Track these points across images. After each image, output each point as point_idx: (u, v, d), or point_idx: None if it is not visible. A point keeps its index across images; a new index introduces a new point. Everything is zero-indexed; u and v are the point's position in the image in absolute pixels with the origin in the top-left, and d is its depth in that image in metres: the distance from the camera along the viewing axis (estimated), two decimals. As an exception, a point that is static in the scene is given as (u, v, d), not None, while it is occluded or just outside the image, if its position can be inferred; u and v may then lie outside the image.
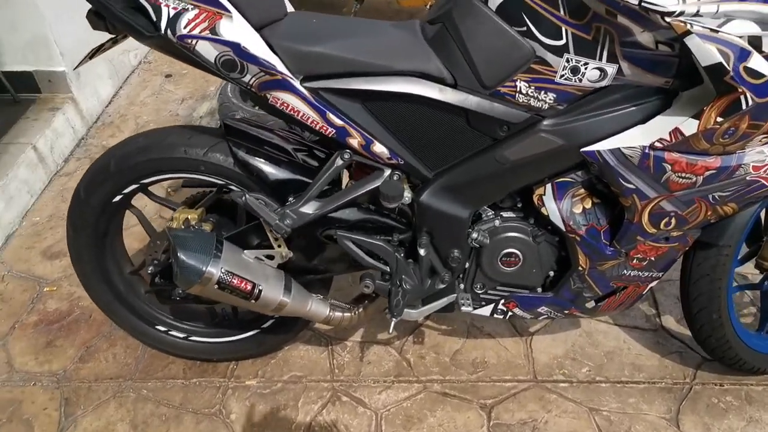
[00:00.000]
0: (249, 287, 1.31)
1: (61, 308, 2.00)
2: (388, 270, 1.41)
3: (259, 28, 1.20)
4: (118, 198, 1.47)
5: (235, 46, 1.12)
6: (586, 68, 1.12)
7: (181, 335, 1.72)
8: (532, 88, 1.17)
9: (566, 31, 1.10)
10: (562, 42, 1.11)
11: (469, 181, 1.30)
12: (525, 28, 1.12)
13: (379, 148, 1.26)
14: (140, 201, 1.54)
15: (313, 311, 1.44)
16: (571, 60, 1.12)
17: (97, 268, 1.60)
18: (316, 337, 1.86)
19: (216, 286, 1.28)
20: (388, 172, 1.31)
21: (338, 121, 1.23)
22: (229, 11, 1.12)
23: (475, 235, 1.36)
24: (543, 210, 1.31)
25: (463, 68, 1.18)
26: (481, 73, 1.17)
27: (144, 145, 1.41)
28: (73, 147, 2.71)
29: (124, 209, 1.55)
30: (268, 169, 1.37)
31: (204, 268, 1.26)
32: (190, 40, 1.12)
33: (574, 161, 1.24)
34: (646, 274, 1.37)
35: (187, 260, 1.25)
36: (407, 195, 1.32)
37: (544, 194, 1.30)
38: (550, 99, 1.17)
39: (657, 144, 1.14)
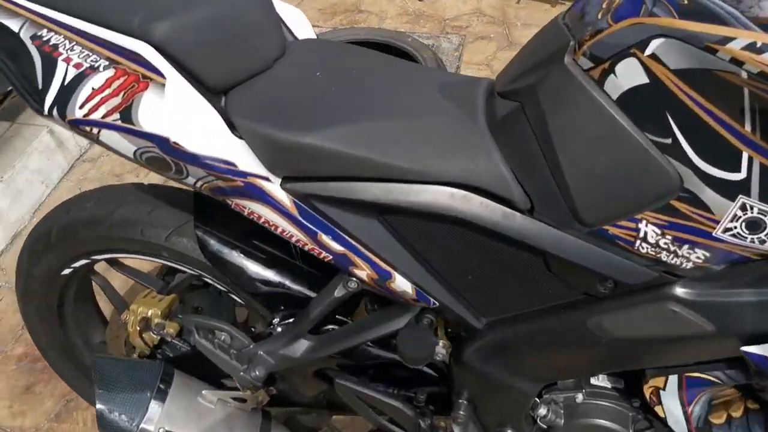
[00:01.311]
0: (202, 449, 0.93)
1: (50, 342, 1.72)
2: (407, 438, 0.98)
3: (225, 89, 0.76)
4: (67, 271, 1.11)
5: (162, 142, 0.68)
6: (778, 226, 0.60)
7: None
8: (669, 237, 0.66)
9: (750, 160, 0.58)
10: (740, 176, 0.59)
11: (540, 346, 0.82)
12: (670, 141, 0.61)
13: (400, 284, 0.80)
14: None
15: (300, 465, 1.04)
16: (751, 208, 0.60)
17: (56, 341, 1.27)
18: None
19: (152, 450, 0.91)
20: (413, 313, 0.86)
21: (337, 247, 0.78)
22: (161, 75, 0.68)
23: (542, 411, 0.89)
24: (658, 408, 0.81)
25: (546, 187, 0.69)
26: (577, 201, 0.68)
27: (91, 217, 1.03)
28: (102, 127, 2.39)
29: (84, 278, 1.19)
30: (249, 269, 0.95)
31: (134, 428, 0.88)
32: (89, 128, 0.69)
33: (724, 356, 0.73)
34: None
35: (108, 416, 0.87)
36: (441, 351, 0.86)
37: (663, 388, 0.80)
38: (697, 257, 0.67)
39: None
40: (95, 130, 0.69)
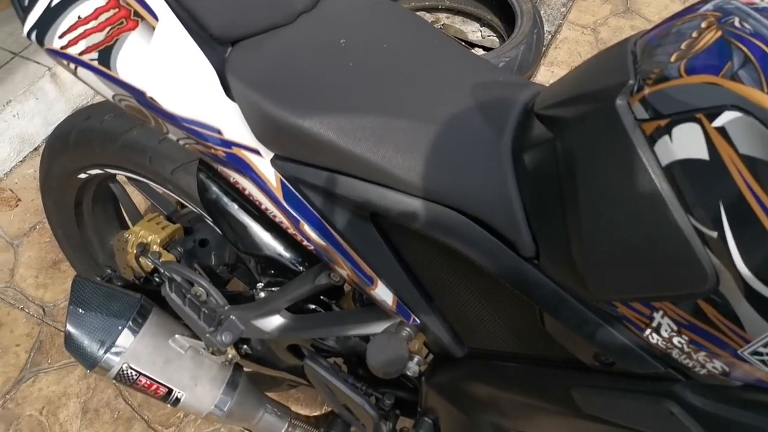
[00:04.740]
0: (162, 392, 0.92)
1: (84, 223, 1.78)
2: (365, 435, 0.93)
3: (233, 40, 0.68)
4: (83, 175, 1.10)
5: (138, 94, 0.61)
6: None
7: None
8: (685, 337, 0.55)
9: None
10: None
11: (518, 393, 0.74)
12: (716, 234, 0.49)
13: (381, 293, 0.73)
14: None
15: (261, 427, 1.02)
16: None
17: (71, 236, 1.29)
18: None
19: (115, 381, 0.91)
20: (394, 320, 0.79)
21: (320, 241, 0.70)
22: (155, 16, 0.60)
23: (509, 452, 0.82)
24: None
25: (558, 240, 0.59)
26: (589, 267, 0.57)
27: (105, 131, 0.99)
28: None
29: (103, 184, 1.18)
30: (244, 224, 0.90)
31: (98, 358, 0.87)
32: (66, 62, 0.63)
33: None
34: None
35: (76, 338, 0.87)
36: (414, 368, 0.79)
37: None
38: (713, 367, 0.56)
39: None
40: (72, 66, 0.63)
